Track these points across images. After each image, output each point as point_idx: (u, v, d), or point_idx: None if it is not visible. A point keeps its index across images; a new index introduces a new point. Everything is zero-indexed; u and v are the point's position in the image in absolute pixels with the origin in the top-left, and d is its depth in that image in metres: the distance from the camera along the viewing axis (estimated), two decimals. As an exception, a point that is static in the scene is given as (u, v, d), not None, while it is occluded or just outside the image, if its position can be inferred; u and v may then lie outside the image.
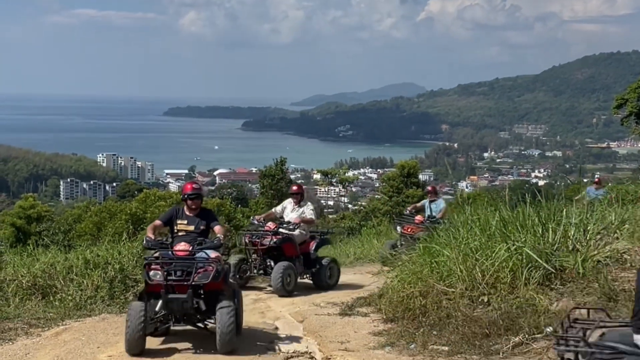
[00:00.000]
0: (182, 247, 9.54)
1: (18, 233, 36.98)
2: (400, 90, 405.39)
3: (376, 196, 54.11)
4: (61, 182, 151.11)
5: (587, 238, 10.26)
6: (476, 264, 10.08)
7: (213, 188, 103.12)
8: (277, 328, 10.87)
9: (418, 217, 18.05)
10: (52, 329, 10.53)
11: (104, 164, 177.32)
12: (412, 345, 9.35)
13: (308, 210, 14.37)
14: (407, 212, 19.19)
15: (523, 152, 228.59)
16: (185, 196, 10.31)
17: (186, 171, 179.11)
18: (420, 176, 54.99)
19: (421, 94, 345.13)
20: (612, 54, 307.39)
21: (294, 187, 15.04)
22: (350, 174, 75.54)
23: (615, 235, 10.61)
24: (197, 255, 9.46)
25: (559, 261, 9.73)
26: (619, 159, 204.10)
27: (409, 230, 17.62)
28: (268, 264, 13.90)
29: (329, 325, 10.87)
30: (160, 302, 9.23)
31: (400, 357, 9.04)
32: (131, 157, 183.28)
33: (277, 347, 9.79)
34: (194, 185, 10.54)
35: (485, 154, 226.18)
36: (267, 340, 10.15)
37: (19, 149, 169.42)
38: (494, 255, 10.04)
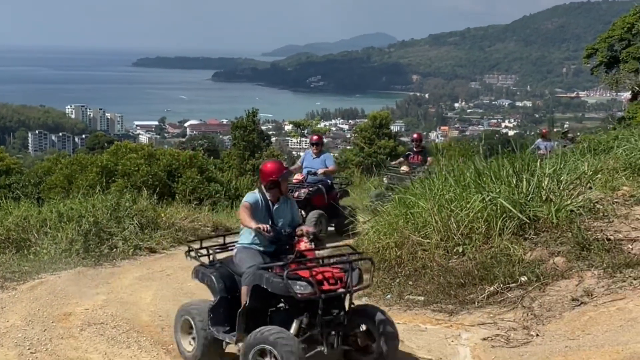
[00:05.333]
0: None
1: (-13, 186, 36.56)
2: (371, 40, 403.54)
3: (348, 147, 54.13)
4: (29, 134, 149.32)
5: (561, 188, 10.37)
6: (451, 215, 10.15)
7: (184, 140, 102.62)
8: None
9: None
10: (27, 282, 10.49)
11: (73, 116, 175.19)
12: (388, 296, 9.46)
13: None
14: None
15: (493, 102, 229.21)
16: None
17: (156, 123, 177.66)
18: (392, 127, 54.97)
19: (392, 44, 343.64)
20: (583, 3, 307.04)
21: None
22: (322, 125, 75.46)
23: (589, 185, 10.73)
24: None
25: (533, 211, 9.82)
26: (588, 108, 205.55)
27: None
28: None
29: (305, 276, 10.91)
30: None
31: (376, 307, 9.12)
32: (100, 109, 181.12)
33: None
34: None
35: (456, 104, 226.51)
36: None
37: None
38: (468, 206, 10.11)
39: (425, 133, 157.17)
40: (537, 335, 7.73)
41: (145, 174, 23.16)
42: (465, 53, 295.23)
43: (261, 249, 7.27)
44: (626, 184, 10.86)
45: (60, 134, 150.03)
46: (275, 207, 7.41)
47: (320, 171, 14.19)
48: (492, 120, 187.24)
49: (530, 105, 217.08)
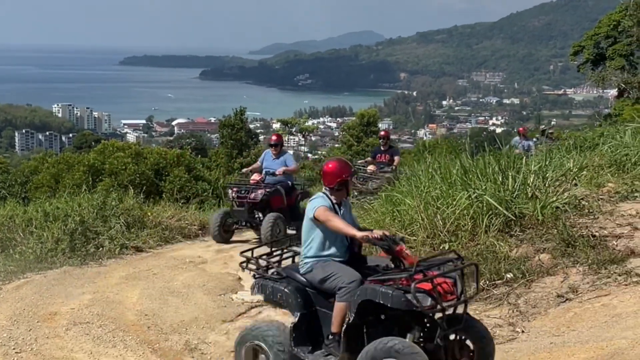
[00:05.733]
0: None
1: (-27, 185, 36.34)
2: (359, 38, 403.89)
3: (336, 145, 54.16)
4: (16, 134, 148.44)
5: (546, 185, 10.43)
6: (437, 212, 10.18)
7: (171, 138, 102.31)
8: (240, 278, 10.88)
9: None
10: (13, 282, 10.45)
11: (60, 115, 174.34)
12: (375, 293, 9.44)
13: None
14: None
15: (481, 100, 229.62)
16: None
17: (144, 121, 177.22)
18: (380, 125, 55.11)
19: (380, 42, 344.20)
20: (569, 0, 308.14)
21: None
22: (309, 123, 75.40)
23: (574, 181, 10.79)
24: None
25: (518, 208, 9.87)
26: (575, 105, 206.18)
27: None
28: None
29: (292, 274, 10.90)
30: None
31: (363, 304, 9.13)
32: (87, 108, 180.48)
33: (241, 297, 9.83)
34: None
35: (444, 102, 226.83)
36: (231, 290, 10.18)
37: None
38: (455, 203, 10.14)
39: (413, 131, 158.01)
40: (523, 331, 7.76)
41: (133, 172, 23.11)
42: (452, 51, 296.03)
43: (339, 259, 6.53)
44: (611, 180, 10.93)
45: (48, 133, 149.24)
46: (342, 210, 6.68)
47: (279, 171, 13.40)
48: (480, 118, 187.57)
49: (518, 102, 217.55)
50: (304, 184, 15.11)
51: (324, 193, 6.68)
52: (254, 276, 6.95)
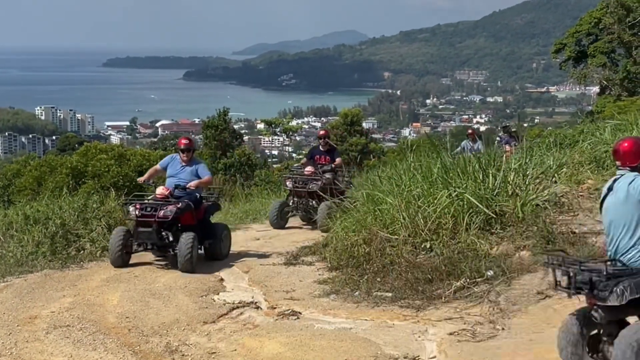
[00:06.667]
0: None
1: (-45, 189, 36.15)
2: (342, 37, 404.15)
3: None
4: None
5: (527, 183, 10.48)
6: (419, 211, 10.20)
7: (155, 140, 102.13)
8: (222, 279, 10.85)
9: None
10: (-7, 286, 10.37)
11: (43, 117, 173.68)
12: (357, 293, 9.45)
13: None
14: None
15: (465, 98, 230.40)
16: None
17: (127, 123, 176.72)
18: (364, 124, 55.28)
19: (363, 42, 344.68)
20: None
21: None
22: (294, 123, 75.52)
23: (554, 179, 10.84)
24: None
25: (499, 206, 9.93)
26: (558, 102, 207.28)
27: None
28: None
29: (274, 275, 10.91)
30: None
31: (344, 304, 9.13)
32: (70, 110, 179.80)
33: (223, 298, 9.80)
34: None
35: (428, 101, 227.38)
36: (213, 291, 10.14)
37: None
38: (435, 201, 10.18)
39: (397, 130, 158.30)
40: (503, 329, 7.78)
41: (116, 174, 23.08)
42: (436, 49, 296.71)
43: None
44: (591, 177, 11.00)
45: (31, 135, 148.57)
46: None
47: (192, 184, 11.57)
48: (464, 116, 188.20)
49: (501, 100, 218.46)
50: (212, 194, 13.22)
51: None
52: (588, 285, 6.15)
